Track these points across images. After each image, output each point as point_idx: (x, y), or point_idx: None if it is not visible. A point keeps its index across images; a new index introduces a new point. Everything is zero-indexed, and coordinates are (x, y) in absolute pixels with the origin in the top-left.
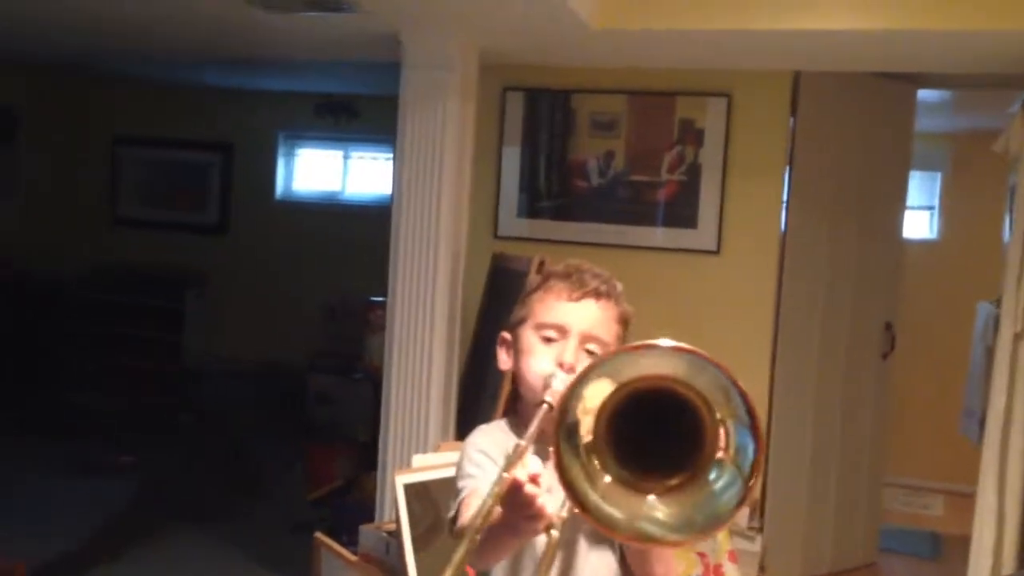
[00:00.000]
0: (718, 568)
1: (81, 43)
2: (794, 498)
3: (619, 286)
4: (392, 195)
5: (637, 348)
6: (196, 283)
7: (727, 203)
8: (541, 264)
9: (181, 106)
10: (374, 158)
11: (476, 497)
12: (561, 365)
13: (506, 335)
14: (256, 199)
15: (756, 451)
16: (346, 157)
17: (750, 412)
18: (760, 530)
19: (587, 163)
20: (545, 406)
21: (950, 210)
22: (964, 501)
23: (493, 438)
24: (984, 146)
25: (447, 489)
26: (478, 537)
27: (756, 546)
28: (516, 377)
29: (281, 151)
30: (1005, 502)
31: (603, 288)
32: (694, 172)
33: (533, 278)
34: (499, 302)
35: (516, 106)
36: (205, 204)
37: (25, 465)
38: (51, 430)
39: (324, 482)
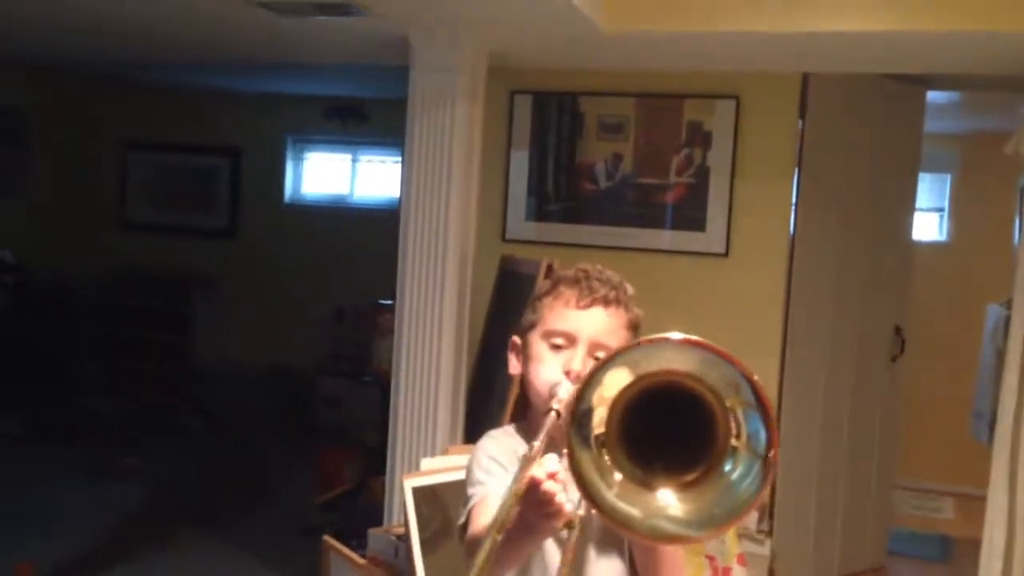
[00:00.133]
0: (727, 571)
1: (89, 47)
2: (803, 501)
3: (629, 290)
4: (400, 198)
5: (656, 341)
6: (205, 286)
7: (735, 206)
8: (549, 268)
9: (190, 110)
10: (382, 161)
11: (487, 504)
12: (568, 373)
13: (516, 340)
14: (265, 202)
15: (769, 433)
16: (354, 160)
17: (760, 398)
18: (769, 533)
19: (595, 166)
20: (553, 414)
21: (960, 212)
22: (974, 504)
23: (502, 444)
24: (994, 148)
25: (456, 493)
26: (499, 537)
27: (765, 549)
28: (524, 383)
29: (290, 154)
30: (1016, 504)
31: (612, 295)
32: (702, 175)
33: (543, 282)
34: (507, 305)
35: (524, 109)
36: (214, 207)
37: (33, 468)
38: (59, 433)
39: (333, 485)
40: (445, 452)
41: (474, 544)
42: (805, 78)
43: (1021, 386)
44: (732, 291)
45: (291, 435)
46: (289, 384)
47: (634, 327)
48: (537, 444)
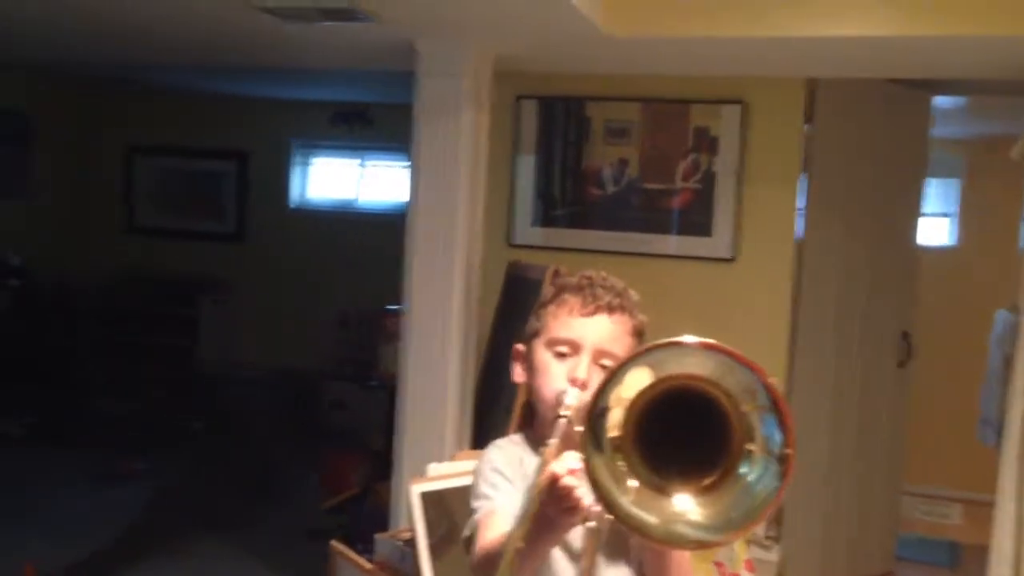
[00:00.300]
0: None
1: (95, 51)
2: (811, 507)
3: (634, 296)
4: (407, 203)
5: (677, 344)
6: (211, 291)
7: (742, 211)
8: (556, 273)
9: (197, 115)
10: (389, 166)
11: (494, 519)
12: (574, 381)
13: (520, 348)
14: (271, 207)
15: (785, 434)
16: (361, 165)
17: (775, 401)
18: (777, 539)
19: (601, 171)
20: (563, 420)
21: (967, 217)
22: (983, 510)
23: (508, 455)
24: (1001, 152)
25: (462, 498)
26: (521, 544)
27: (773, 555)
28: (530, 391)
29: (296, 159)
30: None
31: (616, 302)
32: (709, 180)
33: (546, 290)
34: (514, 310)
35: (530, 114)
36: (221, 212)
37: (38, 470)
38: (64, 435)
39: (340, 490)
40: (452, 458)
41: (485, 559)
42: (811, 83)
43: None
44: (739, 296)
45: (297, 439)
46: (295, 388)
47: (639, 333)
48: (553, 442)
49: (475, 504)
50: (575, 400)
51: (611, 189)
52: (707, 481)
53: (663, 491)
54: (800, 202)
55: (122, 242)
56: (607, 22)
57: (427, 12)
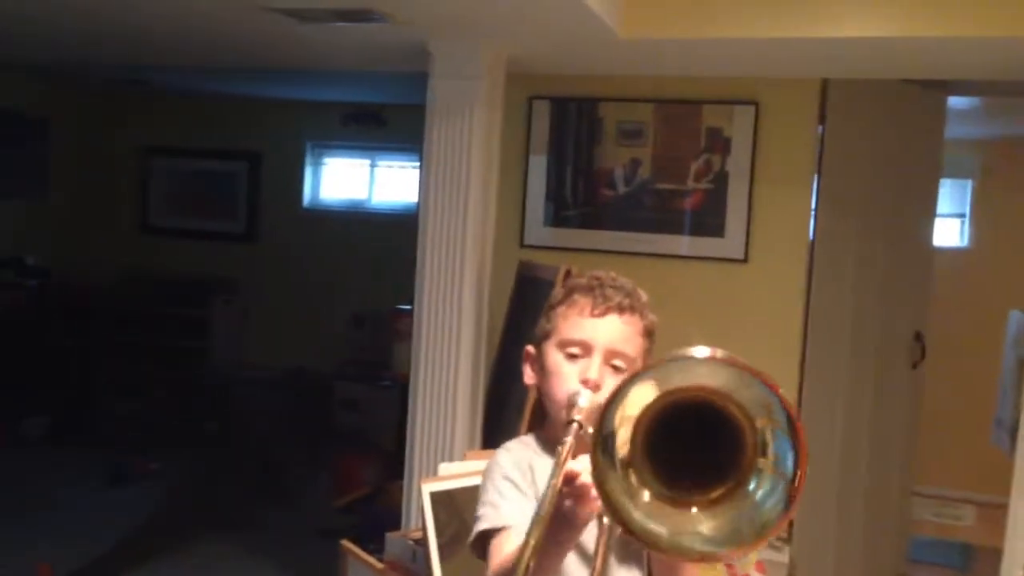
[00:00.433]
0: None
1: (109, 52)
2: (823, 508)
3: (643, 297)
4: (419, 204)
5: (686, 358)
6: (224, 291)
7: (755, 211)
8: (567, 273)
9: (210, 116)
10: (401, 167)
11: (507, 536)
12: (586, 382)
13: (531, 350)
14: (284, 208)
15: (797, 457)
16: (373, 166)
17: (791, 421)
18: (788, 540)
19: (613, 171)
20: (574, 425)
21: (981, 218)
22: (996, 512)
23: (518, 459)
24: (1016, 153)
25: (473, 498)
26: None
27: (784, 557)
28: (541, 392)
29: (309, 160)
30: None
31: (626, 302)
32: (721, 180)
33: (556, 291)
34: (525, 311)
35: (542, 115)
36: (233, 213)
37: (52, 470)
38: (78, 435)
39: (351, 489)
40: (463, 457)
41: (503, 574)
42: (825, 83)
43: None
44: (751, 297)
45: (309, 439)
46: (307, 388)
47: (649, 333)
48: (567, 443)
49: (481, 511)
50: (587, 401)
51: (623, 190)
52: (716, 494)
53: (674, 503)
54: (813, 203)
55: (136, 243)
56: (620, 23)
57: (440, 13)
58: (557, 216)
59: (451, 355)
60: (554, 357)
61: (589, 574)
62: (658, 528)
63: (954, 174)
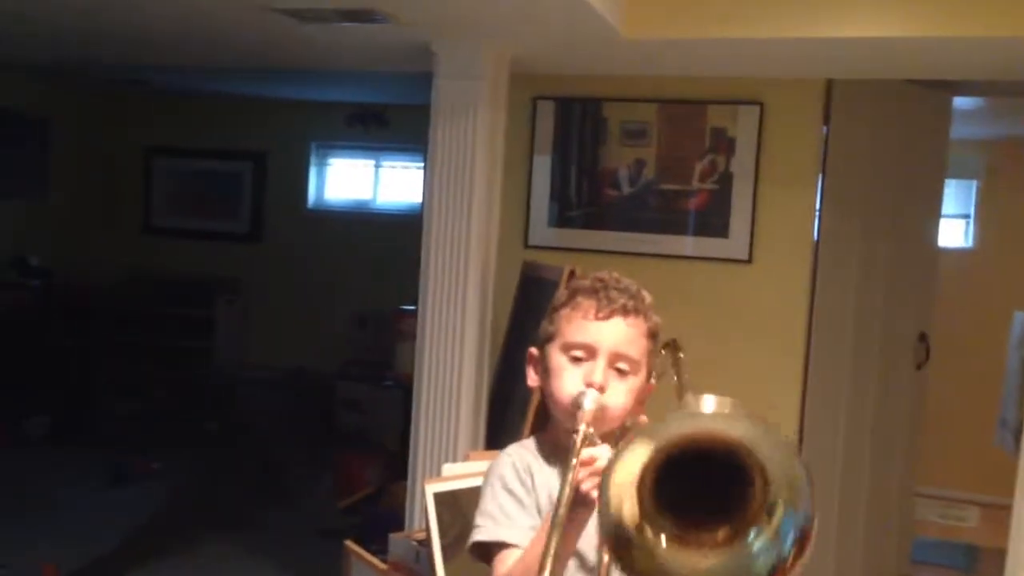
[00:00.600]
0: None
1: (112, 53)
2: (826, 508)
3: (648, 298)
4: (423, 204)
5: (723, 416)
6: (227, 291)
7: (759, 212)
8: (571, 274)
9: (214, 116)
10: (405, 167)
11: (508, 554)
12: (590, 386)
13: (534, 352)
14: (288, 208)
15: (798, 546)
16: (377, 166)
17: (809, 519)
18: None
19: (618, 172)
20: (579, 435)
21: (986, 218)
22: (1000, 513)
23: (520, 466)
24: (1020, 153)
25: (476, 499)
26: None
27: None
28: (545, 395)
29: (313, 160)
30: None
31: (630, 304)
32: (726, 181)
33: (560, 292)
34: (529, 312)
35: (547, 115)
36: (238, 213)
37: (54, 469)
38: (80, 435)
39: (354, 489)
40: (466, 458)
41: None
42: (829, 84)
43: None
44: (755, 298)
45: (312, 439)
46: (311, 388)
47: (653, 335)
48: (578, 438)
49: (479, 520)
50: (592, 403)
51: (627, 190)
52: (721, 535)
53: (686, 543)
54: (818, 203)
55: (139, 243)
56: (624, 23)
57: (444, 13)
58: (561, 216)
59: (455, 355)
60: (557, 360)
61: None
62: (677, 571)
63: (959, 174)
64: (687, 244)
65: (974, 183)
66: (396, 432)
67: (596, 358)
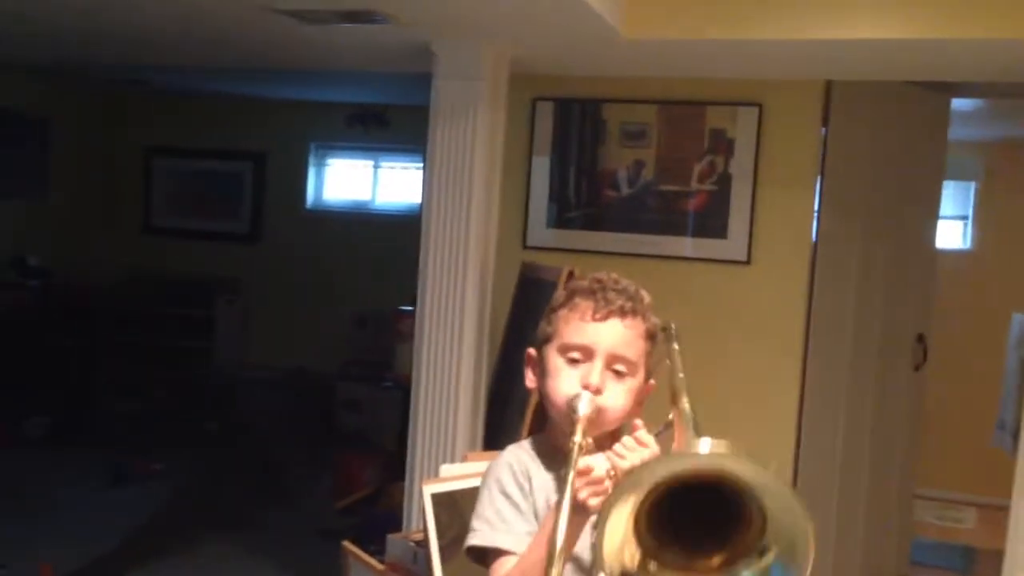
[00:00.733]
0: None
1: (112, 53)
2: (824, 510)
3: (646, 299)
4: (422, 204)
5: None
6: (227, 291)
7: (758, 213)
8: (570, 275)
9: (214, 116)
10: (404, 168)
11: (506, 561)
12: (587, 387)
13: (532, 353)
14: (287, 208)
15: None
16: (376, 167)
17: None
18: None
19: (617, 173)
20: (574, 447)
21: (984, 220)
22: (997, 514)
23: (516, 469)
24: (1019, 155)
25: (474, 500)
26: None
27: None
28: (542, 396)
29: (312, 160)
30: None
31: (628, 305)
32: (724, 182)
33: (558, 293)
34: (528, 312)
35: (546, 116)
36: (237, 213)
37: (54, 470)
38: (80, 436)
39: (353, 490)
40: (464, 459)
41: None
42: (828, 85)
43: None
44: (754, 299)
45: (311, 439)
46: (310, 388)
47: (651, 336)
48: (575, 450)
49: (476, 524)
50: (588, 406)
51: (626, 191)
52: (717, 560)
53: (689, 570)
54: (816, 205)
55: (139, 243)
56: (624, 24)
57: (443, 14)
58: (560, 217)
59: (453, 356)
60: (555, 361)
61: None
62: None
63: (957, 176)
64: (686, 245)
65: (972, 185)
66: (394, 433)
67: (593, 360)
